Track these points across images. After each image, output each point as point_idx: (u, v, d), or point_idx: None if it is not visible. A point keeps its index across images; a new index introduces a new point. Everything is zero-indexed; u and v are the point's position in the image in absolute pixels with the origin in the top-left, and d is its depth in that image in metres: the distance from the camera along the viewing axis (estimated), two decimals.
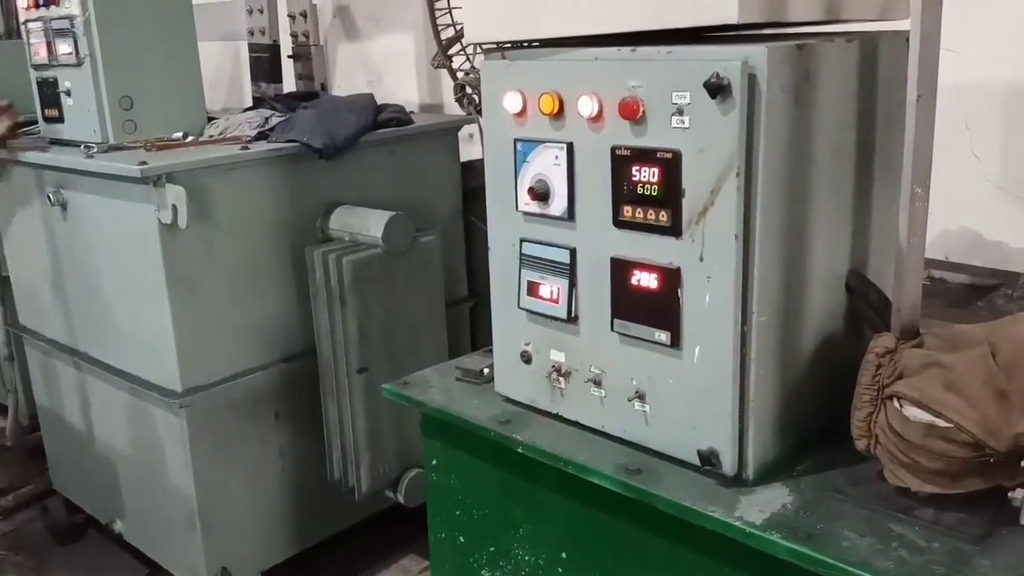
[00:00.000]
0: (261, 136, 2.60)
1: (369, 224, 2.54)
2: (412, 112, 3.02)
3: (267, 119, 2.68)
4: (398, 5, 3.36)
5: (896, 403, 1.24)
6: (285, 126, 2.62)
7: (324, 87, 3.21)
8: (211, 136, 2.65)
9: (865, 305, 1.46)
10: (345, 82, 3.56)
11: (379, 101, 2.83)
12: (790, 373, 1.38)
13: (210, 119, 2.80)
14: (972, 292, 1.96)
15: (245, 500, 2.66)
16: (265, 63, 3.13)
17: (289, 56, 3.20)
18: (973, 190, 2.15)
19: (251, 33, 3.17)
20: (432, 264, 2.67)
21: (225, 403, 2.55)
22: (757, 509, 1.30)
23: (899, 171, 1.30)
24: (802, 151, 1.30)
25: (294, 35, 3.17)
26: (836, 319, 1.46)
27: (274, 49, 3.16)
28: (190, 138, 2.62)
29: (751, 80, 1.20)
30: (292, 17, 3.16)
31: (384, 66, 3.47)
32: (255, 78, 3.19)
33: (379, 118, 2.76)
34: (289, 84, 3.26)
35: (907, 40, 1.28)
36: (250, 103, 3.25)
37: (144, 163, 2.26)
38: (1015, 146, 2.11)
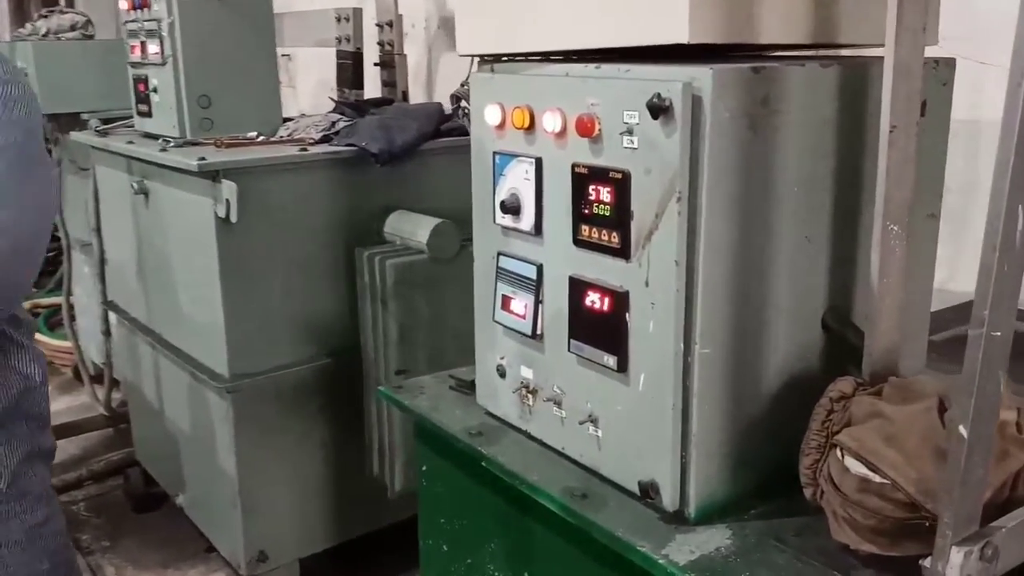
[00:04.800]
0: (325, 139, 2.70)
1: (417, 229, 2.58)
2: None
3: (334, 123, 2.77)
4: None
5: (838, 452, 1.16)
6: (349, 131, 2.71)
7: (405, 96, 3.29)
8: (281, 137, 2.77)
9: (843, 344, 1.37)
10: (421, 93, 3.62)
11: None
12: (745, 410, 1.31)
13: (286, 120, 2.93)
14: None
15: (286, 487, 2.75)
16: (348, 70, 3.24)
17: (376, 64, 3.31)
18: None
19: (338, 40, 3.30)
20: None
21: (272, 392, 2.65)
22: (688, 549, 1.24)
23: None
24: (760, 178, 1.23)
25: (380, 44, 3.27)
26: (809, 357, 1.38)
27: (357, 56, 3.27)
28: (261, 138, 2.75)
29: (696, 102, 1.15)
30: (380, 27, 3.26)
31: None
32: (340, 83, 3.31)
33: (442, 127, 2.81)
34: (374, 91, 3.37)
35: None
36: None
37: (203, 159, 2.39)
38: None
